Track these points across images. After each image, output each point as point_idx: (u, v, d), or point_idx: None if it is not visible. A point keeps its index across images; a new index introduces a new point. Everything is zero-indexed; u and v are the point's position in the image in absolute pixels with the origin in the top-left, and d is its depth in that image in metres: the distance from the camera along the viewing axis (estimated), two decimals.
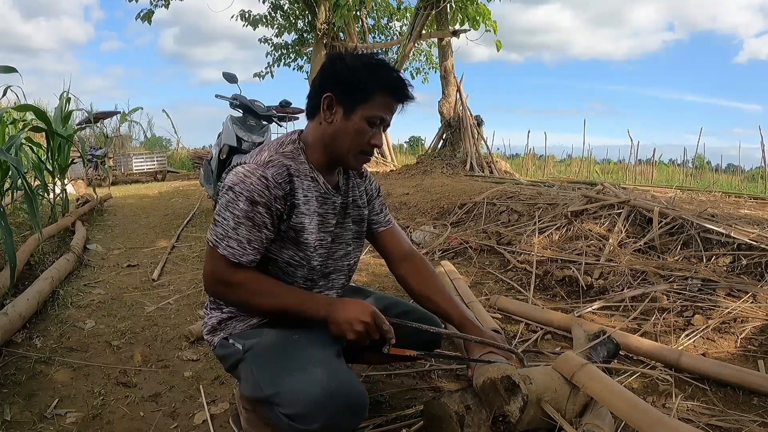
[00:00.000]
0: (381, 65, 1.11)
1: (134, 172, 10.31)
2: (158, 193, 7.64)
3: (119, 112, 9.19)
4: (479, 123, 8.38)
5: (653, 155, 12.22)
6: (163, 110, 16.96)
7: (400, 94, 1.12)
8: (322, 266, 1.20)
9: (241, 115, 4.41)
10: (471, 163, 7.54)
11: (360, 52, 1.16)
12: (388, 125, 1.15)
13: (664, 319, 1.99)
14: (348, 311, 1.07)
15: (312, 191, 1.15)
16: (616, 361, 1.62)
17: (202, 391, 1.53)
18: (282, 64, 12.39)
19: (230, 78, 4.42)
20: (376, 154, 11.63)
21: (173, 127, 16.73)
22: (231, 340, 1.16)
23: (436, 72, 12.17)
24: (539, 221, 3.40)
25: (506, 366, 1.15)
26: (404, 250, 1.35)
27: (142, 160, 10.47)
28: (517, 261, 2.90)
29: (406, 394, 1.51)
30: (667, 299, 2.13)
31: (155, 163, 10.57)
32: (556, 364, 1.23)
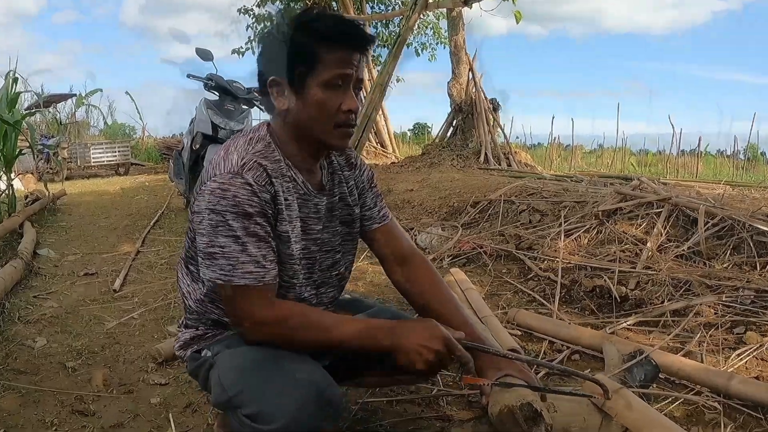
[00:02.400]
0: (311, 18, 1.06)
1: (93, 164, 10.31)
2: (120, 189, 7.66)
3: (75, 95, 9.20)
4: (495, 107, 8.39)
5: (698, 145, 12.17)
6: (126, 92, 16.96)
7: (349, 38, 1.05)
8: (307, 279, 1.19)
9: (217, 98, 4.41)
10: (486, 154, 7.54)
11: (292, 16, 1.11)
12: (360, 80, 1.09)
13: (710, 336, 1.99)
14: (416, 338, 1.03)
15: (292, 193, 1.13)
16: (654, 385, 1.62)
17: (171, 420, 1.52)
18: (276, 15, 12.34)
19: (204, 55, 4.42)
20: (374, 144, 11.63)
21: (138, 112, 16.67)
22: (203, 351, 1.18)
23: (445, 48, 12.18)
24: (565, 222, 3.40)
25: (527, 391, 1.16)
26: (403, 251, 1.32)
27: (101, 150, 10.47)
28: (540, 268, 2.90)
29: (409, 424, 1.51)
30: (715, 313, 2.13)
31: (117, 154, 10.56)
32: (586, 389, 1.23)
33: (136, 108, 16.87)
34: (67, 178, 8.74)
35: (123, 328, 2.28)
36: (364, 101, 9.01)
